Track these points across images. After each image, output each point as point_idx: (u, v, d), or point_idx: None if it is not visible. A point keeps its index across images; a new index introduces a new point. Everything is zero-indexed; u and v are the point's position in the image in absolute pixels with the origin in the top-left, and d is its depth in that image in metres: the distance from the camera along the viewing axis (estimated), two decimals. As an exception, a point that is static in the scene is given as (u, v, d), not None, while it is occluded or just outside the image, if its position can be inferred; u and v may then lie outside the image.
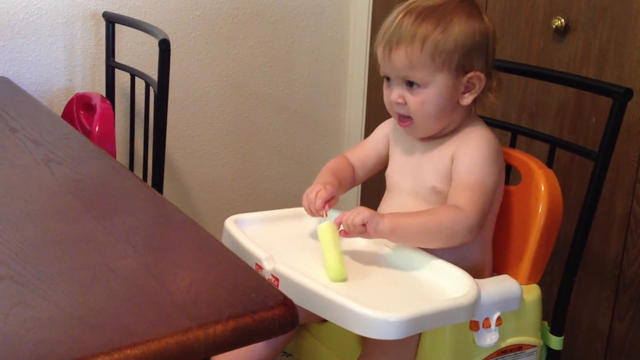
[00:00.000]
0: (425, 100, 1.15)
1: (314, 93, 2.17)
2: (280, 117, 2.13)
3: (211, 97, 2.00)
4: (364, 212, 1.10)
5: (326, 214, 1.17)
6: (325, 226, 1.13)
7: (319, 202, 1.17)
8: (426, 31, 1.12)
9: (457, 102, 1.17)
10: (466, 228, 1.11)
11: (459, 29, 1.13)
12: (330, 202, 1.18)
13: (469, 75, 1.15)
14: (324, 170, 1.27)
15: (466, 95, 1.17)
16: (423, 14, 1.13)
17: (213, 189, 2.08)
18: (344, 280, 1.08)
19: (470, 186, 1.13)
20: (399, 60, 1.14)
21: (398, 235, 1.12)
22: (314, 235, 1.22)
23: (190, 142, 2.00)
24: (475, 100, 1.18)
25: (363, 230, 1.10)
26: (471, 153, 1.16)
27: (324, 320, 1.25)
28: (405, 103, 1.16)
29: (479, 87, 1.16)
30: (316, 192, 1.18)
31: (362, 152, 1.31)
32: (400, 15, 1.14)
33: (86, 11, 1.78)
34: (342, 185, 1.25)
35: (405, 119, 1.19)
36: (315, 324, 1.31)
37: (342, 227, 1.12)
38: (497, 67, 1.20)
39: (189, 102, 1.97)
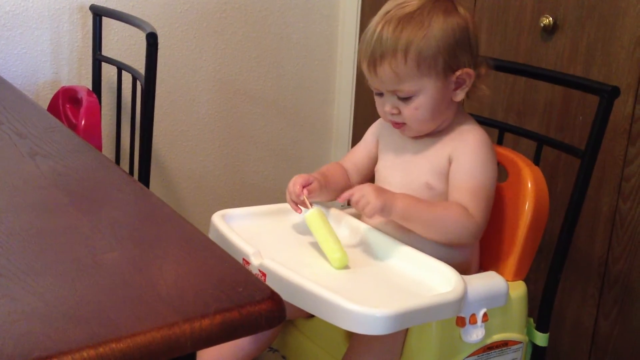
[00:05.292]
0: (418, 106, 1.15)
1: (302, 89, 2.16)
2: (269, 112, 2.12)
3: (199, 92, 1.99)
4: (374, 204, 1.09)
5: (307, 201, 1.16)
6: (312, 214, 1.13)
7: (297, 187, 1.18)
8: (407, 40, 1.11)
9: (450, 100, 1.17)
10: (472, 234, 1.14)
11: (439, 30, 1.12)
12: (309, 187, 1.19)
13: (457, 73, 1.15)
14: None
15: (458, 91, 1.17)
16: (401, 22, 1.12)
17: (200, 184, 2.07)
18: (347, 266, 1.09)
19: (475, 191, 1.14)
20: (385, 75, 1.13)
21: (406, 223, 1.14)
22: (302, 231, 1.22)
23: (177, 137, 1.99)
24: (467, 94, 1.19)
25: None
26: (470, 156, 1.16)
27: (311, 316, 1.25)
28: (400, 113, 1.16)
29: (469, 82, 1.17)
30: (294, 181, 1.20)
31: (354, 156, 1.32)
32: (379, 27, 1.13)
33: (73, 4, 1.77)
34: (331, 182, 1.25)
35: (400, 124, 1.19)
36: (302, 320, 1.31)
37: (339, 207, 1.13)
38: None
39: (176, 97, 1.96)
